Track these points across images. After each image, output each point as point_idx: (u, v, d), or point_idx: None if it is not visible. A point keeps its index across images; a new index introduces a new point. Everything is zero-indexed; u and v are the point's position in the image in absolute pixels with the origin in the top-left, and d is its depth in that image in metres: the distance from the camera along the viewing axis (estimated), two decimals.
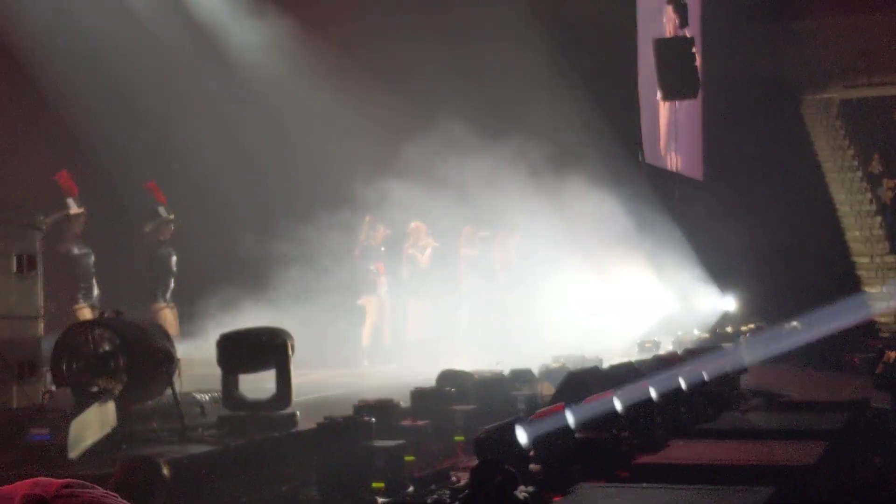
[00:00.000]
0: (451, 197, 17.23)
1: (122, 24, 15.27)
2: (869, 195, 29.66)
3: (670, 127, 25.39)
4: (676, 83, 21.93)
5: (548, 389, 9.73)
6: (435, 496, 5.99)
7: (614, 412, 7.35)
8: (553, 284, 18.19)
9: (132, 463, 5.87)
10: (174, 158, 15.65)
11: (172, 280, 13.04)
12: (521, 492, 5.45)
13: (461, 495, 5.76)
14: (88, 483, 1.21)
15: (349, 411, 7.47)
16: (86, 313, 11.61)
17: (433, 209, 17.36)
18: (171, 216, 13.13)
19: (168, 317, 12.82)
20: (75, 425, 6.30)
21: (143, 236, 13.10)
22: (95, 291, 12.16)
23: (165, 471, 5.85)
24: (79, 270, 12.03)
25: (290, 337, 7.96)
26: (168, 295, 13.05)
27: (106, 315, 7.58)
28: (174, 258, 13.18)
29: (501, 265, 18.31)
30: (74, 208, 12.05)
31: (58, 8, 14.24)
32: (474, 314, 17.77)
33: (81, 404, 6.58)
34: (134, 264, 13.45)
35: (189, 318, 13.82)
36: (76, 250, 12.06)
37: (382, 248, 16.17)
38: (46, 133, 15.39)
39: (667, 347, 15.93)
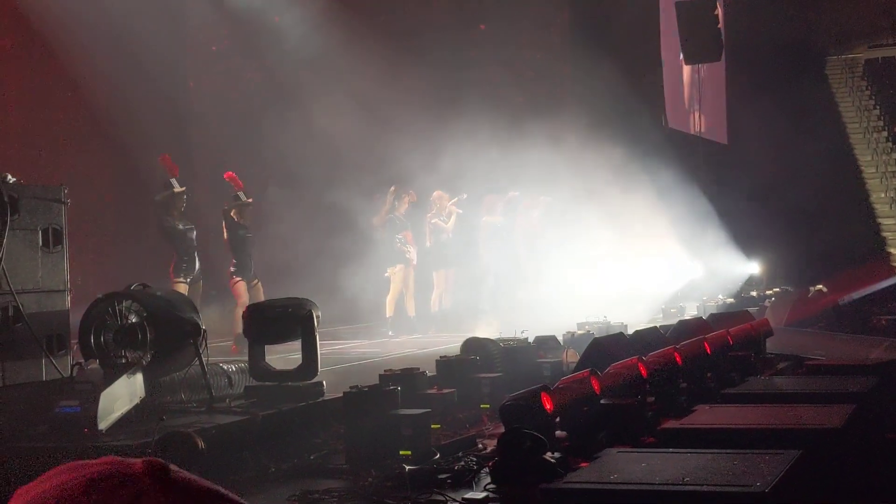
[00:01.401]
0: (473, 166, 17.22)
1: (154, 8, 15.32)
2: (894, 156, 29.42)
3: (693, 90, 25.24)
4: (699, 46, 21.76)
5: (573, 356, 9.73)
6: (462, 463, 6.01)
7: (640, 378, 7.36)
8: (577, 251, 18.16)
9: (168, 437, 5.92)
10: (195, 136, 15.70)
11: (252, 258, 14.01)
12: (549, 457, 5.47)
13: (490, 462, 5.78)
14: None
15: (375, 380, 7.50)
16: (181, 287, 12.60)
17: (455, 178, 17.35)
18: (250, 200, 14.01)
19: (260, 291, 13.78)
20: (104, 397, 6.35)
21: (224, 219, 13.98)
22: (196, 265, 13.12)
23: (201, 444, 5.90)
24: (183, 245, 12.93)
25: (316, 307, 8.00)
26: (252, 271, 13.93)
27: (133, 288, 7.62)
28: (250, 237, 14.07)
29: (523, 233, 18.28)
30: (177, 187, 12.91)
31: None
32: (498, 282, 17.78)
33: (110, 376, 6.63)
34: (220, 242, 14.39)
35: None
36: (180, 226, 12.99)
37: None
38: (73, 112, 15.48)
39: (692, 312, 15.90)
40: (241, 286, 13.79)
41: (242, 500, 1.22)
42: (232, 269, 13.86)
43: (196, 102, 15.20)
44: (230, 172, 14.22)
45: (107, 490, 1.14)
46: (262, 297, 13.46)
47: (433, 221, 16.72)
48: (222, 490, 1.21)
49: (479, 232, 17.90)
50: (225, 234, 13.98)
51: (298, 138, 16.90)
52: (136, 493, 1.14)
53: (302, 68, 16.67)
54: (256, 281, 13.95)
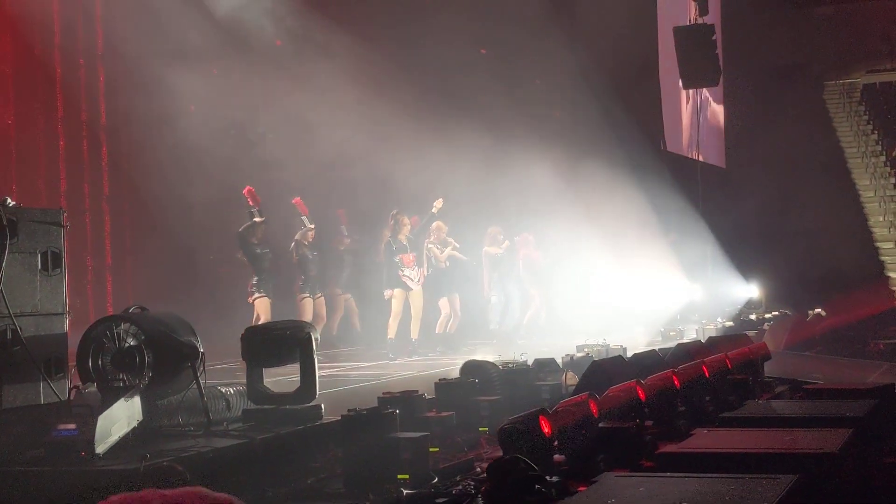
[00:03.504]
0: (476, 193, 17.25)
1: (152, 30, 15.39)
2: (892, 180, 29.48)
3: (692, 115, 25.31)
4: (697, 71, 21.84)
5: (572, 379, 9.73)
6: (460, 487, 6.00)
7: (638, 401, 7.35)
8: (576, 274, 18.19)
9: (152, 471, 5.87)
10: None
11: (313, 275, 15.90)
12: (540, 485, 5.43)
13: (483, 487, 5.76)
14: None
15: (374, 403, 7.49)
16: (263, 302, 14.59)
17: (459, 207, 17.37)
18: (312, 226, 15.74)
19: (307, 306, 15.67)
20: (102, 420, 6.33)
21: (294, 242, 15.79)
22: (271, 283, 14.88)
23: (186, 476, 5.88)
24: (262, 266, 14.75)
25: (314, 329, 7.99)
26: (313, 287, 15.85)
27: (131, 310, 7.62)
28: (313, 255, 15.91)
29: (525, 262, 18.34)
30: (258, 217, 14.60)
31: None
32: (504, 307, 17.82)
33: (108, 399, 6.62)
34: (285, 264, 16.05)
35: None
36: (258, 250, 14.75)
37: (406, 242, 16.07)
38: (73, 137, 15.53)
39: (690, 335, 15.90)
40: (308, 302, 15.68)
41: None
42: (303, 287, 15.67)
43: (198, 125, 15.24)
44: (297, 198, 15.58)
45: None
46: (323, 310, 15.91)
47: (429, 246, 16.72)
48: None
49: (482, 261, 17.98)
50: (295, 258, 15.81)
51: (300, 158, 16.94)
52: None
53: (301, 85, 16.68)
54: (308, 296, 15.75)
